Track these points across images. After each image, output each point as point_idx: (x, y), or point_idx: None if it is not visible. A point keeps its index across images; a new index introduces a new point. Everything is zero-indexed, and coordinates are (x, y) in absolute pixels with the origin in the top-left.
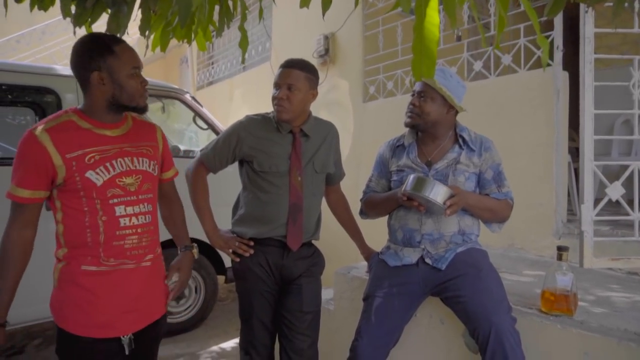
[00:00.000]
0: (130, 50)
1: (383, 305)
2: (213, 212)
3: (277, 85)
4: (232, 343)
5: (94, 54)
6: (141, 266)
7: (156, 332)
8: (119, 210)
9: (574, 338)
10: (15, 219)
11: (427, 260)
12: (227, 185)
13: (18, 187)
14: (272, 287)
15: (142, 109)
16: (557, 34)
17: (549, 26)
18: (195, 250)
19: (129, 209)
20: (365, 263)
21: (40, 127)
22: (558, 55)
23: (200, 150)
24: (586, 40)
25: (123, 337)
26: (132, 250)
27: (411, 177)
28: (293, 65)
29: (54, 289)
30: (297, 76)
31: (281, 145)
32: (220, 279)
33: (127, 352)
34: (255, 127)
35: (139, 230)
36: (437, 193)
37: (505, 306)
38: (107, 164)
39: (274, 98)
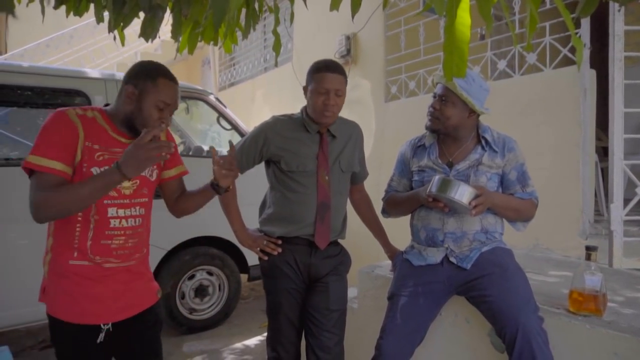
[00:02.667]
0: (169, 87)
1: (408, 304)
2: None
3: (327, 90)
4: (255, 340)
5: (140, 73)
6: (128, 265)
7: (148, 319)
8: (111, 211)
9: (603, 338)
10: (45, 188)
11: (452, 260)
12: (251, 184)
13: (51, 160)
14: (300, 285)
15: None
16: (584, 31)
17: (576, 24)
18: None
19: (120, 212)
20: (388, 262)
21: (71, 110)
22: (585, 53)
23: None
24: (616, 38)
25: (103, 325)
26: (117, 250)
27: (436, 178)
28: (337, 70)
29: (44, 278)
30: (342, 81)
31: (308, 146)
32: (243, 277)
33: (100, 340)
34: (282, 127)
35: (127, 232)
36: (463, 194)
37: (532, 305)
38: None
39: (324, 104)
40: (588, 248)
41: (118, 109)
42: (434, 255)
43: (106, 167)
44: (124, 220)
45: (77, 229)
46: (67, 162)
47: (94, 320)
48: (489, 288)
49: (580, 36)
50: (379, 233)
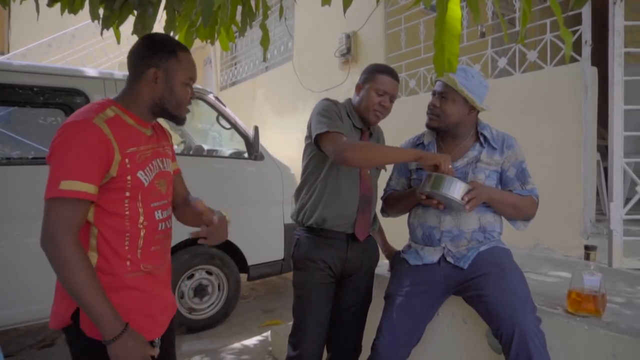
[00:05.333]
0: (191, 61)
1: (404, 303)
2: (238, 211)
3: (385, 93)
4: (254, 340)
5: (157, 51)
6: (166, 270)
7: (173, 326)
8: (158, 214)
9: (601, 339)
10: (72, 219)
11: (449, 259)
12: (250, 184)
13: (83, 182)
14: (331, 280)
15: (183, 120)
16: (585, 28)
17: (577, 20)
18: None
19: (164, 213)
20: (386, 261)
21: (97, 118)
22: (586, 50)
23: (319, 133)
24: (615, 33)
25: (156, 340)
26: (162, 255)
27: (432, 175)
28: (396, 78)
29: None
30: (397, 89)
31: (353, 137)
32: (243, 276)
33: (156, 355)
34: (341, 109)
35: (167, 235)
36: (455, 190)
37: (529, 306)
38: (150, 165)
39: (377, 104)
40: (587, 247)
41: (139, 97)
42: (431, 255)
43: (147, 168)
44: (166, 222)
45: (127, 239)
46: (98, 184)
47: (152, 336)
48: (486, 288)
49: (581, 33)
50: (378, 232)
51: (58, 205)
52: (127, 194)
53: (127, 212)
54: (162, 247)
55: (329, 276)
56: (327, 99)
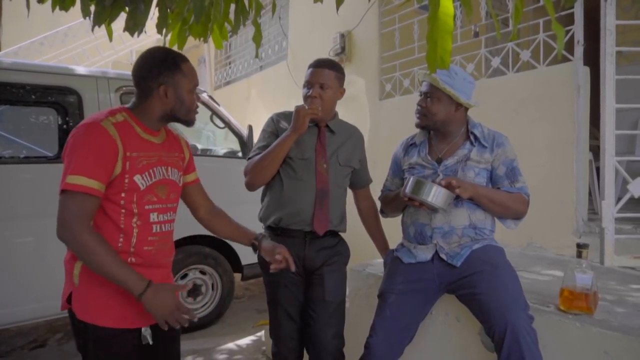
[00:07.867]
0: (193, 69)
1: (397, 301)
2: (231, 211)
3: (309, 84)
4: (248, 340)
5: (163, 69)
6: (159, 268)
7: (172, 329)
8: (153, 216)
9: (593, 337)
10: (79, 209)
11: (442, 256)
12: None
13: (86, 177)
14: (296, 278)
15: (192, 122)
16: (578, 27)
17: (569, 20)
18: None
19: (160, 217)
20: (380, 260)
21: (105, 121)
22: (579, 49)
23: (250, 157)
24: (607, 32)
25: (143, 328)
26: (156, 255)
27: (411, 179)
28: (323, 65)
29: (74, 286)
30: (328, 75)
31: (307, 137)
32: (237, 276)
33: (150, 342)
34: (284, 119)
35: (164, 237)
36: (435, 195)
37: (521, 304)
38: (150, 171)
39: (306, 97)
40: (579, 246)
41: (150, 110)
42: (424, 253)
43: (146, 173)
44: (162, 225)
45: (120, 237)
46: (103, 181)
47: (135, 324)
48: (479, 286)
49: (573, 32)
50: (381, 245)
51: (67, 198)
52: (123, 194)
53: (122, 210)
54: (155, 249)
55: (292, 274)
56: (271, 116)
